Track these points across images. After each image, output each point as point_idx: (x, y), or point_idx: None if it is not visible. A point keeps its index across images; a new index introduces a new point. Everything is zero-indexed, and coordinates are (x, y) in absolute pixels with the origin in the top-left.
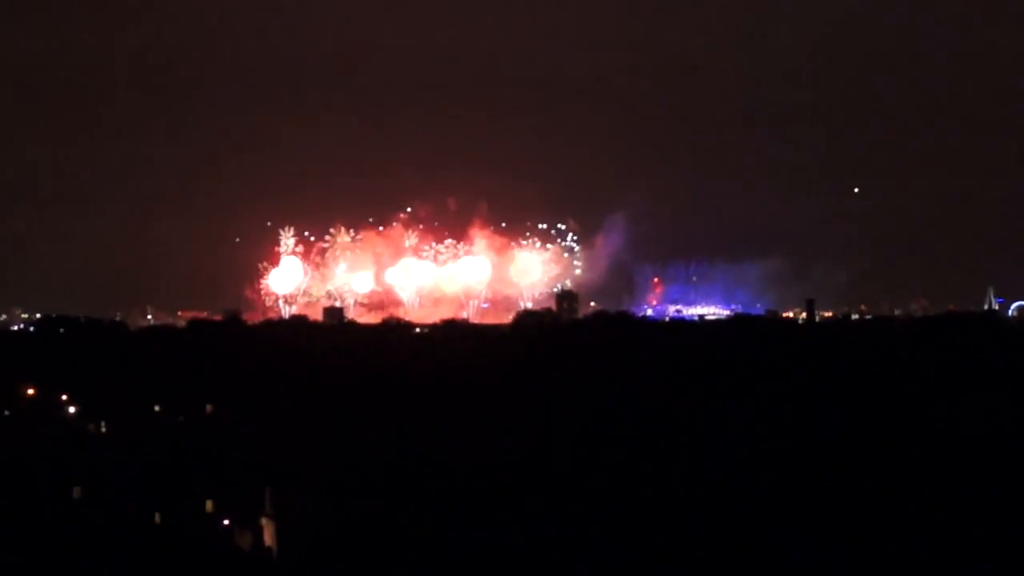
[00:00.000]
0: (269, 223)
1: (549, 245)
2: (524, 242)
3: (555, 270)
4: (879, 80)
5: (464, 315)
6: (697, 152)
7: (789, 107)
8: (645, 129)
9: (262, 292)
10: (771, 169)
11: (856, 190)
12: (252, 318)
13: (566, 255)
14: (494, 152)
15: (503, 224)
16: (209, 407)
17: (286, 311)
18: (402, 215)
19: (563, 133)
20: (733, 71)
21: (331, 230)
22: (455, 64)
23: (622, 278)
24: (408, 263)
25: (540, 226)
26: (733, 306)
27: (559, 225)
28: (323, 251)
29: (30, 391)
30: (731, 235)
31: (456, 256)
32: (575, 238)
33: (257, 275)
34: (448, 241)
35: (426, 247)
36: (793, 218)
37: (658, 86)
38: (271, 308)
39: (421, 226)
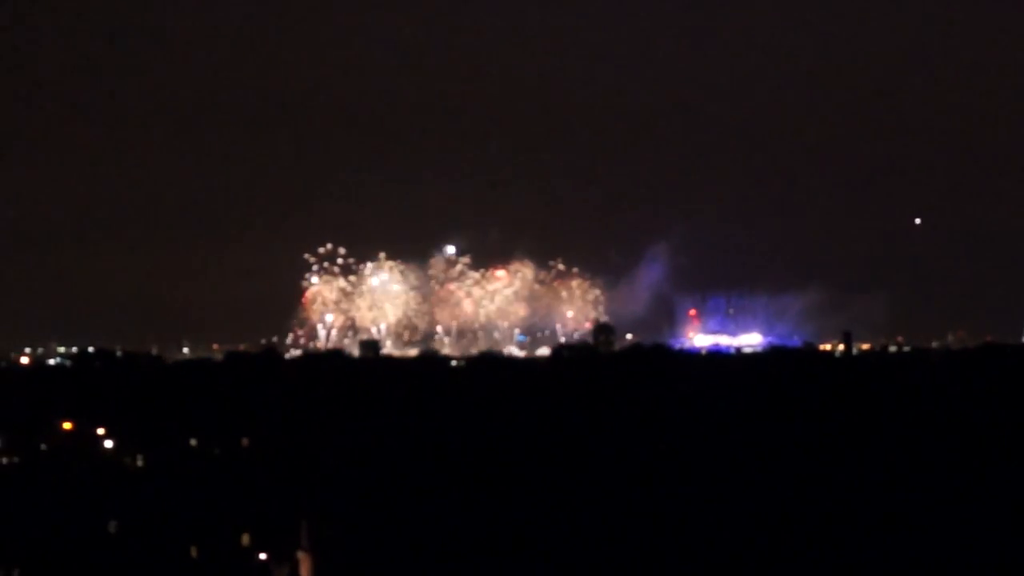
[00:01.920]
0: (307, 255)
1: (587, 276)
2: (562, 272)
3: (591, 303)
4: (920, 108)
5: (501, 349)
6: (740, 181)
7: (834, 137)
8: (688, 158)
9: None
10: (814, 199)
11: (918, 221)
12: (289, 351)
13: (604, 289)
14: (535, 182)
15: (542, 256)
16: (245, 440)
17: (325, 340)
18: (446, 247)
19: (605, 164)
20: (775, 98)
21: (362, 263)
22: (497, 94)
23: (662, 310)
24: (447, 296)
25: (581, 257)
26: (769, 338)
27: (614, 256)
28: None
29: (67, 425)
30: (772, 266)
31: (495, 289)
32: (612, 274)
33: (297, 308)
34: (487, 273)
35: (465, 280)
36: (835, 248)
37: (699, 114)
38: (309, 341)
39: (460, 259)
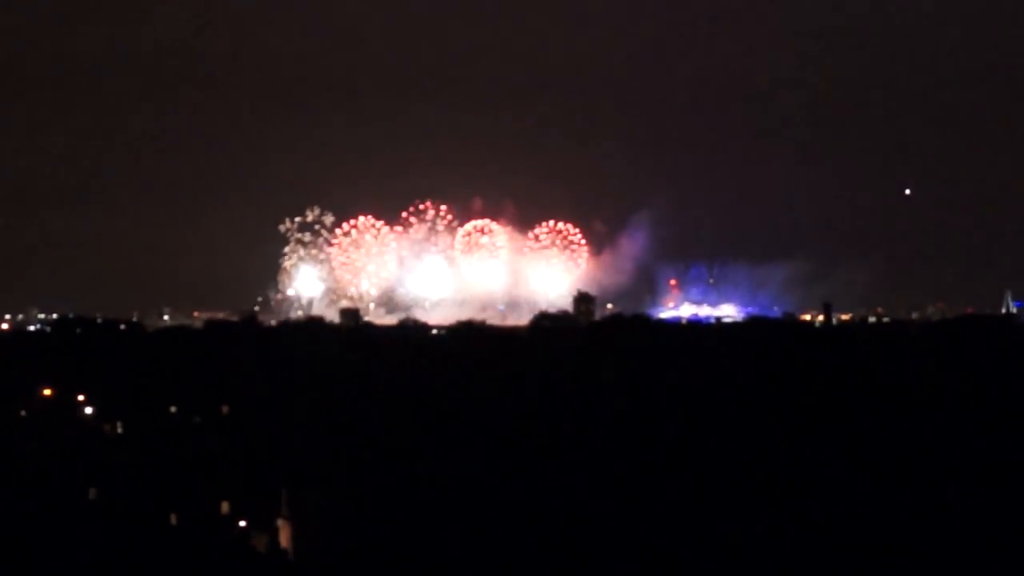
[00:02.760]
0: (286, 223)
1: (571, 242)
2: (544, 241)
3: (574, 272)
4: (900, 82)
5: (483, 317)
6: (723, 154)
7: (816, 110)
8: (671, 130)
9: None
10: (797, 171)
11: (908, 191)
12: (270, 319)
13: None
14: (519, 151)
15: (525, 223)
16: (225, 408)
17: (307, 307)
18: (427, 208)
19: (589, 133)
20: (761, 72)
21: (345, 230)
22: (481, 62)
23: (644, 280)
24: (428, 264)
25: (562, 226)
26: (749, 308)
27: (599, 226)
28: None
29: (47, 391)
30: (755, 237)
31: (477, 257)
32: (580, 239)
33: (279, 275)
34: (470, 242)
35: (446, 247)
36: (816, 220)
37: (682, 86)
38: (293, 308)
39: (441, 227)
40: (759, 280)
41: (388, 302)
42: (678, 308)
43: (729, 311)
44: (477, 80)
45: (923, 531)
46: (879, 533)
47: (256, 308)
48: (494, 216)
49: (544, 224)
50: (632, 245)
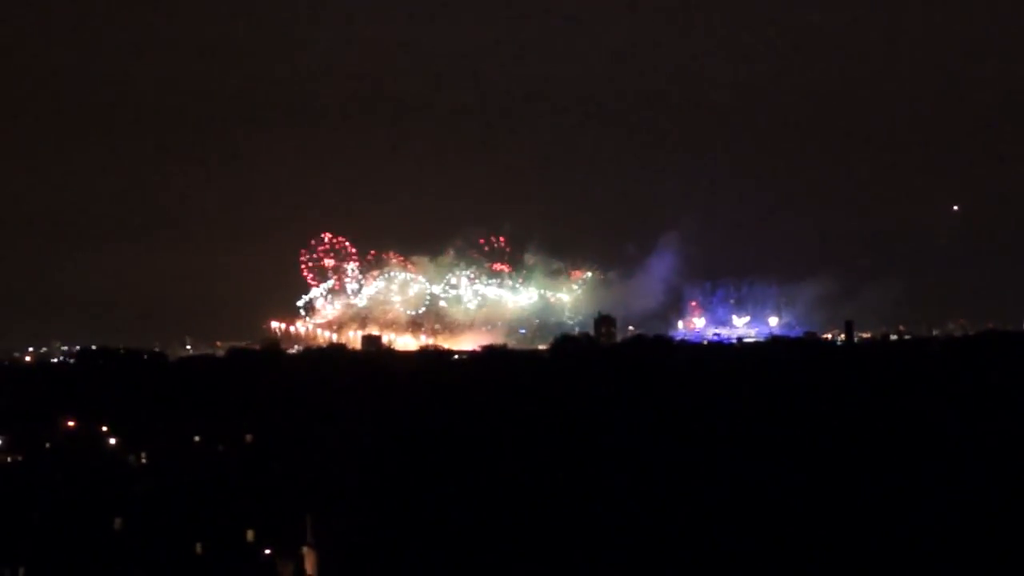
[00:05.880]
0: (311, 247)
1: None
2: (571, 267)
3: (594, 295)
4: (920, 101)
5: (504, 342)
6: (751, 173)
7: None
8: (699, 151)
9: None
10: (822, 189)
11: (956, 208)
12: (293, 347)
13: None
14: (549, 178)
15: (554, 248)
16: (249, 436)
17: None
18: (457, 243)
19: (617, 158)
20: (787, 90)
21: (365, 254)
22: (508, 91)
23: (671, 300)
24: (456, 291)
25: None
26: (770, 328)
27: (630, 249)
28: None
29: (71, 423)
30: (781, 256)
31: (501, 284)
32: (594, 269)
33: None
34: (495, 269)
35: (472, 275)
36: (842, 239)
37: (708, 107)
38: (315, 336)
39: (471, 252)
40: (787, 299)
41: (411, 328)
42: (700, 329)
43: (751, 331)
44: (502, 105)
45: (942, 549)
46: (896, 551)
47: (279, 336)
48: (522, 241)
49: (574, 248)
50: (661, 267)
